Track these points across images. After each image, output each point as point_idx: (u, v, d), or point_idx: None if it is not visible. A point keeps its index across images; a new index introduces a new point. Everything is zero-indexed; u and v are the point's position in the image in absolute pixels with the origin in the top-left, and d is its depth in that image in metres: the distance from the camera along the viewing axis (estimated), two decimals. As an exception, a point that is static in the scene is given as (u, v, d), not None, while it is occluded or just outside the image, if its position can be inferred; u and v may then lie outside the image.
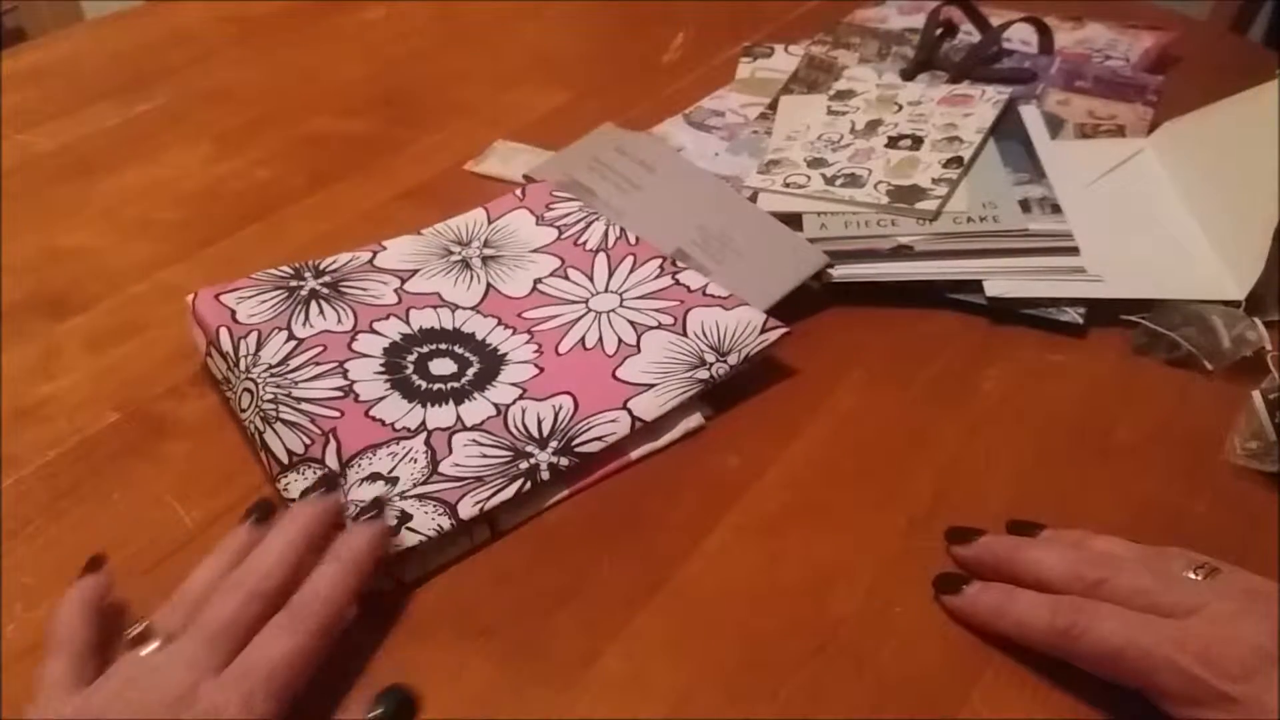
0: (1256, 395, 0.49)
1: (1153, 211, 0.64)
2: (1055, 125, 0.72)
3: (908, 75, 0.78)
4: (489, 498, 0.45)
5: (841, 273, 0.59)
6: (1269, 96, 0.63)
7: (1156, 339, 0.55)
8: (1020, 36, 0.83)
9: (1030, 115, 0.72)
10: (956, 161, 0.66)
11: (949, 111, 0.72)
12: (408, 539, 0.43)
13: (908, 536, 0.46)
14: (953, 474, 0.49)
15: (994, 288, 0.58)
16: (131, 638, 0.38)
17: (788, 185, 0.66)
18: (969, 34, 0.83)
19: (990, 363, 0.55)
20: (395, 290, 0.56)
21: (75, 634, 0.38)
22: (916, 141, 0.69)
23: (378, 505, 0.43)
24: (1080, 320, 0.57)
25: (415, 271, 0.58)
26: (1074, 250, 0.60)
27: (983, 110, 0.71)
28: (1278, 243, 0.56)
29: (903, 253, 0.60)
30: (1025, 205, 0.63)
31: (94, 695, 0.36)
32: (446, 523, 0.44)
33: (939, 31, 0.81)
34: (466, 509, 0.45)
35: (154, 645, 0.37)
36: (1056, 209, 0.62)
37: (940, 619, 0.43)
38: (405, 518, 0.44)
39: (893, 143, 0.69)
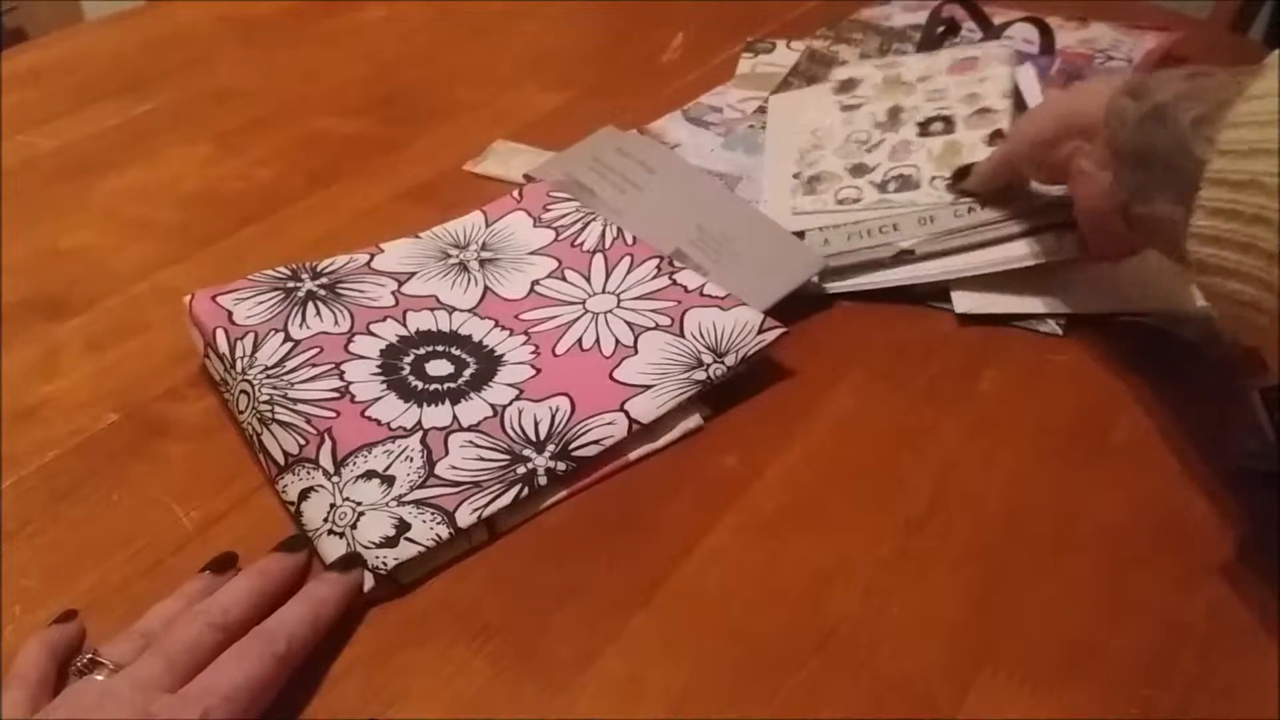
0: (1256, 395, 0.49)
1: None
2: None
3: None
4: (487, 504, 0.45)
5: (841, 285, 0.59)
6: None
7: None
8: (1022, 35, 0.82)
9: (1026, 77, 0.70)
10: (999, 135, 0.63)
11: (964, 80, 0.69)
12: (406, 550, 0.43)
13: (906, 537, 0.46)
14: (951, 474, 0.49)
15: (962, 303, 0.58)
16: (80, 666, 0.38)
17: (841, 202, 0.64)
18: (971, 31, 0.82)
19: (989, 363, 0.55)
20: (392, 293, 0.56)
21: (33, 669, 0.38)
22: (948, 123, 0.66)
23: (351, 562, 0.43)
24: (1060, 331, 0.56)
25: (413, 274, 0.58)
26: (1073, 224, 0.56)
27: (997, 72, 0.69)
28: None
29: (904, 258, 0.60)
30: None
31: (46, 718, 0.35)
32: (445, 531, 0.44)
33: (941, 29, 0.81)
34: (464, 517, 0.45)
35: (103, 674, 0.37)
36: None
37: (939, 619, 0.42)
38: (404, 526, 0.44)
39: (924, 129, 0.67)
